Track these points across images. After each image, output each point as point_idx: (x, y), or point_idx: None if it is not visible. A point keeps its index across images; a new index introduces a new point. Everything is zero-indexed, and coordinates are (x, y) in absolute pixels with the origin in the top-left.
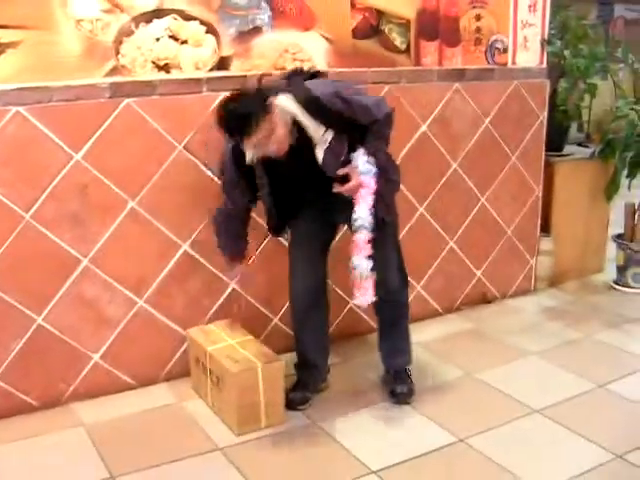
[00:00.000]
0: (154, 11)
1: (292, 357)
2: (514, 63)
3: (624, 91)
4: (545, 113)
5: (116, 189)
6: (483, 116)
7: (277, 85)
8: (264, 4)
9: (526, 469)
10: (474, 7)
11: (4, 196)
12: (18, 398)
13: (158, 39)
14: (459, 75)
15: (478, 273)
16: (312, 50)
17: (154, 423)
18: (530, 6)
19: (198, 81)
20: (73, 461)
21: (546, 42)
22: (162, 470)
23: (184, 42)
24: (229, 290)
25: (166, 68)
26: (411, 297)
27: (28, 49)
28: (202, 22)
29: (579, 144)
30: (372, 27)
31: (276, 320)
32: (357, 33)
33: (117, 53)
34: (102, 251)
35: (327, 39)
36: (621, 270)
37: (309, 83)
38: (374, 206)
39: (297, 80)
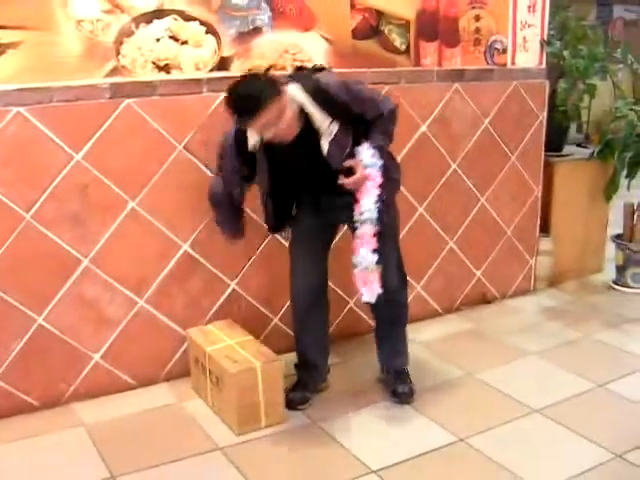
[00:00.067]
0: (154, 12)
1: (292, 357)
2: (513, 64)
3: (623, 92)
4: (544, 113)
5: (116, 189)
6: (482, 116)
7: (285, 75)
8: (264, 5)
9: (526, 469)
10: (473, 8)
11: (5, 196)
12: (19, 398)
13: (158, 40)
14: (458, 76)
15: (478, 273)
16: (312, 51)
17: (154, 423)
18: (529, 7)
19: (198, 82)
20: (73, 461)
21: (545, 43)
22: (162, 470)
23: (184, 43)
24: (229, 290)
25: (166, 69)
26: (411, 297)
27: (29, 50)
28: (202, 23)
29: (578, 144)
30: (372, 28)
31: (276, 320)
32: (357, 34)
33: (117, 54)
34: (102, 251)
35: (327, 40)
36: (620, 270)
37: (317, 75)
38: (378, 200)
39: (305, 73)
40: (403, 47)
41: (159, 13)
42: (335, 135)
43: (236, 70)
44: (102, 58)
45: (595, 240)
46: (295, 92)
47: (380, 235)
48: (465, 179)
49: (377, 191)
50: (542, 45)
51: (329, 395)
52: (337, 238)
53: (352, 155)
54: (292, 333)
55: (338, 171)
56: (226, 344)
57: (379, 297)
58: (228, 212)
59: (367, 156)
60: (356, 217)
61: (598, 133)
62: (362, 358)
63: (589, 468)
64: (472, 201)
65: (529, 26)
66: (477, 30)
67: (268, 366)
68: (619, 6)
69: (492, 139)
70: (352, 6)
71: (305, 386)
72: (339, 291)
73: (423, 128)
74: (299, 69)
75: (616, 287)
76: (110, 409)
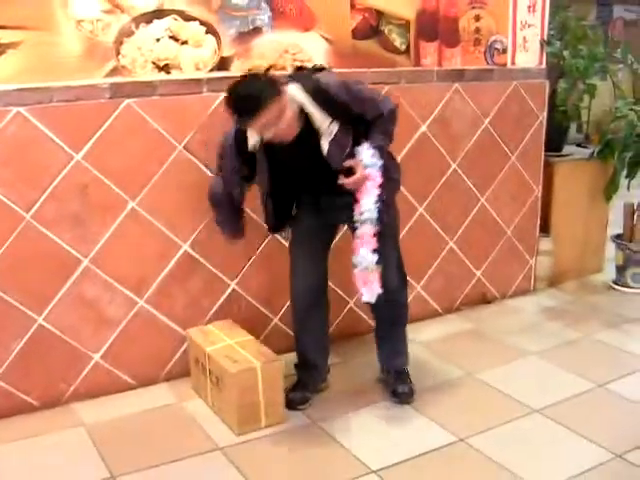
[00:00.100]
0: (154, 12)
1: (292, 357)
2: (513, 64)
3: (623, 92)
4: (544, 113)
5: (116, 189)
6: (482, 116)
7: (285, 75)
8: (264, 5)
9: (526, 468)
10: (473, 8)
11: (5, 196)
12: (19, 398)
13: (158, 40)
14: (458, 75)
15: (478, 273)
16: (312, 51)
17: (154, 423)
18: (529, 7)
19: (198, 82)
20: (73, 461)
21: (545, 43)
22: (162, 470)
23: (184, 43)
24: (229, 290)
25: (166, 69)
26: (411, 297)
27: (29, 50)
28: (202, 23)
29: (578, 144)
30: (372, 28)
31: (276, 320)
32: (357, 34)
33: (117, 54)
34: (102, 251)
35: (327, 40)
36: (620, 270)
37: (317, 75)
38: (378, 200)
39: (305, 73)
40: (403, 47)
41: (159, 13)
42: (335, 135)
43: (236, 70)
44: (102, 58)
45: (595, 240)
46: (295, 92)
47: (380, 235)
48: (465, 179)
49: (377, 191)
50: (542, 45)
51: (329, 395)
52: (337, 238)
53: (352, 155)
54: (292, 333)
55: (338, 171)
56: (226, 344)
57: (379, 297)
58: (228, 212)
59: (367, 156)
60: (356, 217)
61: (598, 133)
62: (362, 358)
63: (589, 468)
64: (472, 201)
65: (529, 26)
66: (477, 30)
67: (268, 366)
68: (619, 6)
69: (492, 139)
70: (352, 6)
71: (305, 386)
72: (339, 291)
73: (423, 128)
74: (299, 69)
75: (616, 287)
76: (110, 409)
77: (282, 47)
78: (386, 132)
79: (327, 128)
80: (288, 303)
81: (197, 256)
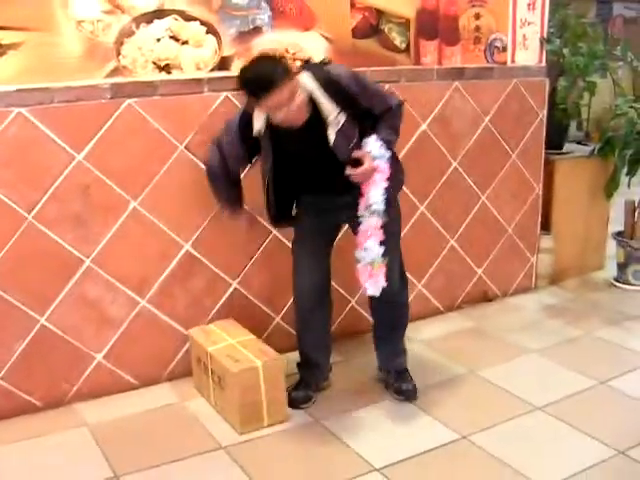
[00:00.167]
0: (155, 12)
1: (294, 356)
2: (513, 62)
3: (623, 89)
4: (545, 111)
5: (118, 189)
6: (483, 115)
7: (298, 65)
8: (264, 4)
9: (528, 465)
10: (473, 6)
11: (6, 197)
12: (21, 398)
13: (159, 40)
14: (459, 74)
15: (479, 271)
16: (312, 50)
17: (157, 423)
18: (529, 4)
19: (199, 81)
20: (77, 461)
21: (545, 40)
22: (165, 469)
23: (185, 42)
24: (231, 290)
25: (167, 69)
26: (412, 296)
27: (29, 50)
28: (203, 22)
29: (579, 142)
30: (372, 26)
31: (278, 319)
32: (357, 33)
33: (118, 54)
34: (104, 251)
35: (327, 39)
36: (621, 267)
37: (328, 67)
38: (386, 192)
39: (316, 63)
40: (403, 46)
41: (159, 13)
42: (342, 126)
43: (236, 70)
44: (103, 58)
45: (596, 237)
46: (306, 80)
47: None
48: (466, 177)
49: (385, 184)
50: (542, 43)
51: (331, 393)
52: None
53: (358, 147)
54: (294, 332)
55: (345, 162)
56: (228, 343)
57: (379, 298)
58: (225, 184)
59: (375, 147)
60: (362, 210)
61: (598, 131)
62: (364, 356)
63: (591, 465)
64: (473, 199)
65: (529, 24)
66: (477, 28)
67: (270, 365)
68: (619, 3)
69: (492, 137)
70: (352, 5)
71: (307, 385)
72: (341, 290)
73: (423, 127)
74: (306, 62)
75: (617, 284)
76: (113, 409)
77: (282, 46)
78: (393, 126)
79: (335, 118)
80: (290, 302)
81: (199, 256)
